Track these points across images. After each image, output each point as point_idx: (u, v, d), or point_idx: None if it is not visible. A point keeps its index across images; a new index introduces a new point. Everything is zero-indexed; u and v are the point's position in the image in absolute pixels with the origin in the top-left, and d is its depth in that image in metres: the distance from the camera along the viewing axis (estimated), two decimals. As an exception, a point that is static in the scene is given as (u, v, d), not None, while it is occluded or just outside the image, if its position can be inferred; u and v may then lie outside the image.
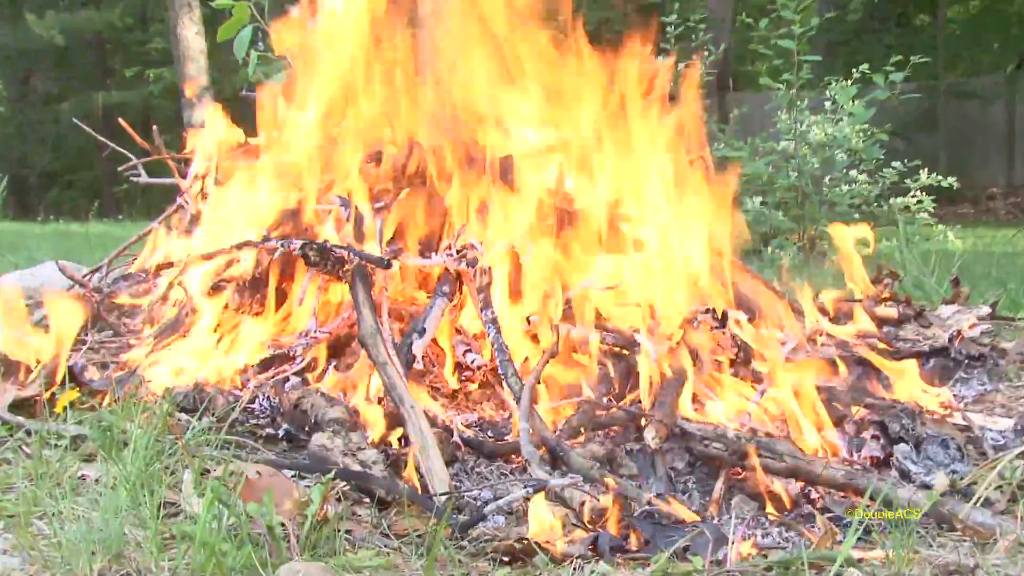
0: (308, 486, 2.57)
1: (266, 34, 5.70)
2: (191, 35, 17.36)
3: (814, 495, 2.93)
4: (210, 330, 3.77)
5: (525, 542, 2.37)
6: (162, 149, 5.08)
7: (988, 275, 7.22)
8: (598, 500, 2.60)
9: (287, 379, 3.55)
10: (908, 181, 9.11)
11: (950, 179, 8.80)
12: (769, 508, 2.80)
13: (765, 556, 2.35)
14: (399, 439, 3.11)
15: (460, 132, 4.12)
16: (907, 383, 3.68)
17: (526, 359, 3.52)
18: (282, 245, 3.80)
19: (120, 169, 5.29)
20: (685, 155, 4.02)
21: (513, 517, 2.63)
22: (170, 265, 4.36)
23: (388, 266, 3.68)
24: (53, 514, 2.34)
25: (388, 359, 3.19)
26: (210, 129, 4.80)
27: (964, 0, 24.64)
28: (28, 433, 2.92)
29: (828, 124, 9.25)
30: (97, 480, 2.60)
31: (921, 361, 4.02)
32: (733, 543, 2.37)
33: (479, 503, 2.72)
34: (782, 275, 5.28)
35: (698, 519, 2.61)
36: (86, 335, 4.11)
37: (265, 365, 3.60)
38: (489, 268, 3.65)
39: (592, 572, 2.26)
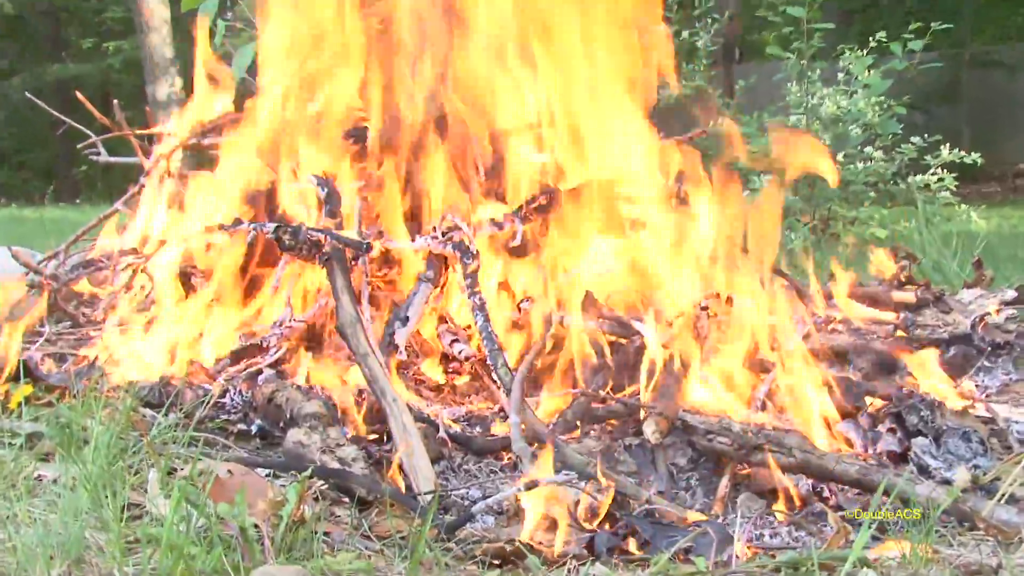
0: (283, 485, 2.57)
1: (235, 2, 5.70)
2: (154, 3, 17.30)
3: (826, 492, 2.95)
4: (177, 320, 3.77)
5: (516, 543, 2.38)
6: (123, 126, 5.07)
7: (1014, 257, 7.25)
8: (595, 498, 2.61)
9: (260, 371, 3.55)
10: (928, 158, 9.11)
11: (974, 155, 8.80)
12: (778, 506, 2.82)
13: (773, 556, 2.36)
14: (381, 435, 3.12)
15: (445, 106, 4.12)
16: (926, 373, 3.70)
17: (522, 352, 3.53)
18: (254, 228, 3.81)
19: (79, 147, 5.28)
20: (688, 131, 4.04)
21: (503, 517, 2.65)
22: (133, 251, 4.35)
23: (368, 250, 3.68)
24: (8, 517, 2.34)
25: (369, 349, 3.19)
26: (177, 105, 4.80)
27: (990, -39, 24.61)
28: (-20, 431, 2.92)
29: (841, 97, 9.25)
30: (55, 481, 2.60)
31: (941, 349, 4.04)
32: (739, 543, 2.38)
33: (467, 502, 2.73)
34: (793, 258, 5.29)
35: (701, 518, 2.62)
36: (42, 326, 4.10)
37: (237, 357, 3.61)
38: (477, 251, 3.65)
39: (588, 575, 2.27)
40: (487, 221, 3.80)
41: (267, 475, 2.72)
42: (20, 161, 28.99)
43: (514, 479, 2.80)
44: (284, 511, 2.29)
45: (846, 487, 2.93)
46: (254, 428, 3.22)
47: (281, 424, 3.14)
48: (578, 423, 3.21)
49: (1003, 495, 2.72)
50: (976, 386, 3.83)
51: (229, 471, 2.44)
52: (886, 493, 2.62)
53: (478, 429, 3.33)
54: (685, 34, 9.82)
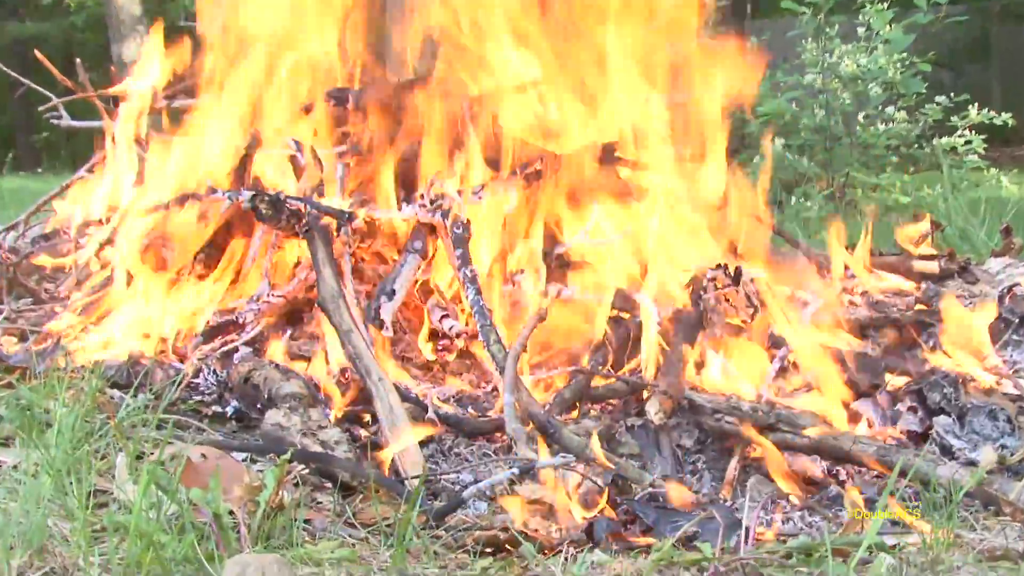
0: (261, 470, 2.59)
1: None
2: (120, -44, 17.20)
3: (842, 475, 2.96)
4: (146, 295, 3.77)
5: (509, 530, 2.40)
6: (88, 87, 5.06)
7: (1046, 225, 7.25)
8: (594, 482, 2.63)
9: (236, 350, 3.56)
10: (955, 119, 9.11)
11: (1004, 116, 8.80)
12: (790, 489, 2.83)
13: (784, 542, 2.38)
14: (366, 416, 3.13)
15: (433, 66, 4.12)
16: (959, 336, 3.70)
17: (517, 327, 3.54)
18: (230, 197, 3.81)
19: (39, 111, 5.27)
20: (695, 93, 4.03)
21: (496, 503, 2.66)
22: (99, 222, 4.36)
23: (351, 219, 3.69)
24: (-34, 505, 2.36)
25: (352, 325, 3.20)
26: (144, 64, 4.78)
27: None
28: (-66, 415, 2.93)
29: (861, 54, 9.24)
30: (16, 467, 2.61)
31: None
32: (748, 528, 2.39)
33: (457, 487, 2.74)
34: (808, 227, 5.29)
35: (708, 503, 2.64)
36: (0, 303, 4.11)
37: (210, 334, 3.61)
38: (467, 220, 3.65)
39: (587, 562, 2.28)
40: (479, 188, 3.80)
41: (244, 459, 2.73)
42: (-26, 127, 28.88)
43: (508, 462, 2.81)
44: (261, 497, 2.30)
45: (863, 469, 2.94)
46: (229, 410, 3.23)
47: (258, 405, 3.15)
48: (576, 403, 3.22)
49: (1031, 477, 2.73)
50: (1003, 361, 3.83)
51: (203, 455, 2.45)
52: (904, 474, 2.64)
53: (469, 409, 3.34)
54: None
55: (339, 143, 4.10)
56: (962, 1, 10.52)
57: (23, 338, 3.79)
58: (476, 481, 2.74)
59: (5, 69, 5.70)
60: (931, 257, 4.55)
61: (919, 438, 3.15)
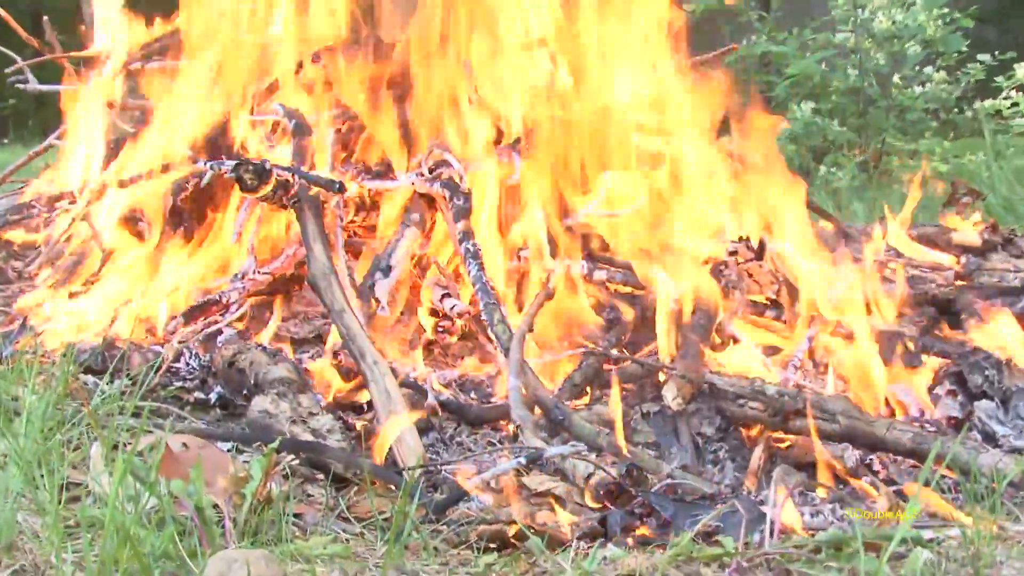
0: (247, 461, 2.58)
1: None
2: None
3: (876, 464, 2.96)
4: (122, 273, 3.78)
5: (515, 524, 2.40)
6: (56, 48, 5.05)
7: (1100, 194, 7.23)
8: (607, 472, 2.63)
9: (219, 331, 3.57)
10: (999, 79, 9.08)
11: (1055, 75, 8.77)
12: (820, 480, 2.83)
13: (812, 535, 2.38)
14: (360, 402, 3.14)
15: (430, 22, 4.11)
16: (992, 326, 3.70)
17: (523, 306, 3.54)
18: (212, 167, 3.81)
19: (5, 73, 5.26)
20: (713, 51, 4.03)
21: (501, 494, 2.66)
22: (71, 195, 4.36)
23: (342, 190, 3.68)
24: (-71, 499, 2.36)
25: (345, 305, 3.20)
26: (118, 23, 4.77)
27: None
28: None
29: (897, 9, 9.21)
30: (-17, 458, 2.62)
31: (1011, 298, 4.04)
32: (773, 521, 2.39)
33: (459, 478, 2.75)
34: (839, 198, 5.29)
35: (730, 494, 2.64)
36: (-35, 282, 4.13)
37: (192, 315, 3.62)
38: (469, 190, 3.65)
39: (599, 558, 2.28)
40: (481, 155, 3.79)
41: (228, 449, 2.73)
42: (-65, 94, 28.86)
43: (514, 451, 2.81)
44: (248, 489, 2.30)
45: (899, 457, 2.94)
46: (213, 396, 3.23)
47: (244, 391, 3.15)
48: (587, 387, 3.23)
49: (1081, 465, 2.73)
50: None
51: (184, 444, 2.46)
52: (941, 462, 2.64)
53: (472, 395, 3.35)
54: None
55: (329, 108, 4.10)
56: (1007, -50, 10.42)
57: (-11, 320, 3.80)
58: (480, 472, 2.74)
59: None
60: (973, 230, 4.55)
61: (959, 424, 3.14)
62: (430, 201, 3.74)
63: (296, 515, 2.41)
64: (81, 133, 4.63)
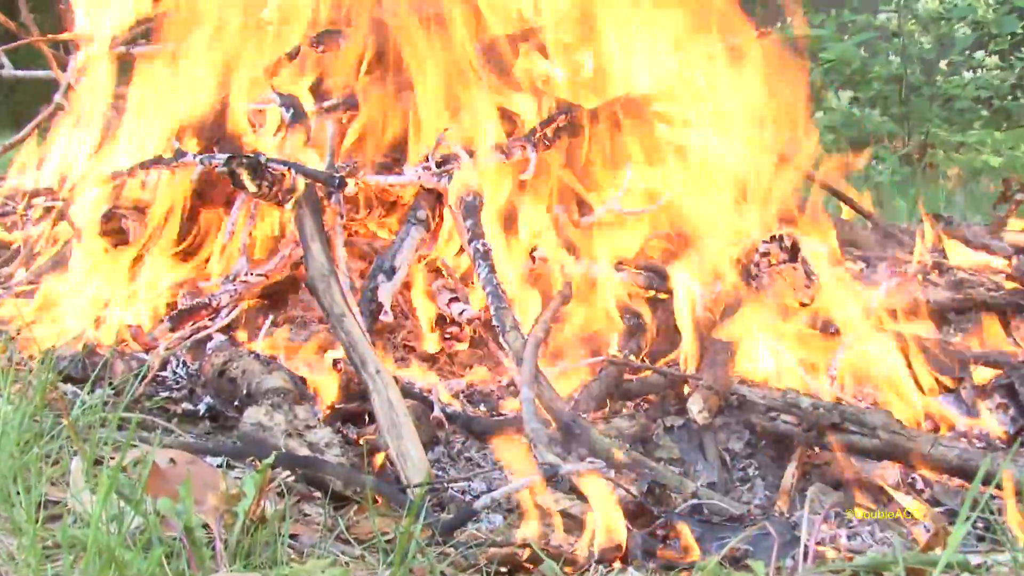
0: (239, 477, 2.59)
1: None
2: None
3: (919, 483, 2.96)
4: (105, 275, 3.79)
5: (528, 547, 2.40)
6: (32, 31, 5.06)
7: None
8: (628, 491, 2.64)
9: (209, 338, 3.57)
10: (1058, 64, 9.06)
11: (1118, 59, 8.75)
12: (858, 500, 2.84)
13: (850, 559, 2.38)
14: (362, 415, 3.14)
15: (437, 5, 4.11)
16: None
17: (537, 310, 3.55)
18: (202, 161, 3.81)
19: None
20: (746, 34, 4.02)
21: (513, 514, 2.67)
22: (49, 190, 4.37)
23: (342, 186, 3.69)
24: None
25: (346, 309, 3.21)
26: (100, 3, 4.78)
27: None
28: None
29: (944, -12, 9.20)
30: (-46, 473, 2.63)
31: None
32: (807, 544, 2.40)
33: (468, 497, 2.76)
34: (880, 194, 5.28)
35: (761, 515, 2.64)
36: (-64, 284, 4.14)
37: (180, 319, 3.62)
38: (479, 186, 3.66)
39: (618, 584, 2.30)
40: (492, 148, 3.80)
41: (219, 465, 2.75)
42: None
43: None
44: (240, 508, 2.31)
45: (945, 476, 2.94)
46: (202, 407, 3.24)
47: (236, 402, 3.16)
48: (607, 399, 3.23)
49: None
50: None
51: (171, 459, 2.47)
52: (991, 482, 2.64)
53: (482, 407, 3.36)
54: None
55: (328, 95, 4.10)
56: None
57: (-39, 325, 3.80)
58: (490, 490, 2.75)
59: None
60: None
61: (1011, 439, 3.15)
62: (437, 197, 3.74)
63: (292, 536, 2.42)
64: (61, 122, 4.65)
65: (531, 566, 2.39)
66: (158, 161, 3.93)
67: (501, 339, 3.30)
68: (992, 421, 3.27)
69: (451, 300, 3.71)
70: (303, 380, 3.24)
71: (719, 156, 3.86)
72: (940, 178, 7.81)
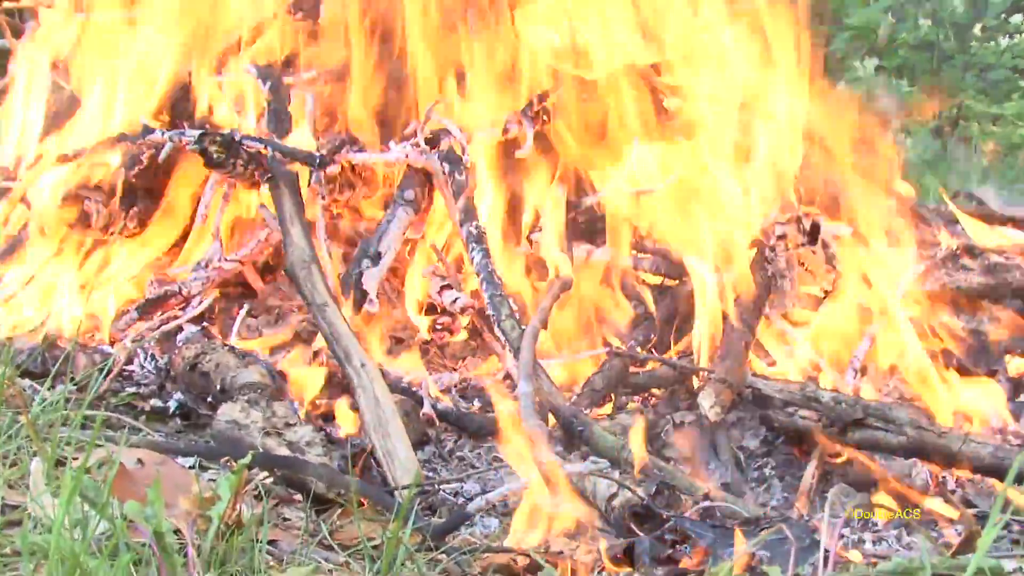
0: (213, 479, 2.60)
1: None
2: None
3: (950, 483, 2.97)
4: (66, 261, 3.79)
5: (526, 555, 2.41)
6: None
7: None
8: (634, 493, 2.64)
9: (180, 329, 3.58)
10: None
11: None
12: (882, 501, 2.84)
13: (874, 565, 2.39)
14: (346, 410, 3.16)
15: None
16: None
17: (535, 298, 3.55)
18: (171, 138, 3.81)
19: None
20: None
21: (509, 518, 2.68)
22: (5, 170, 4.37)
23: (324, 165, 3.69)
24: None
25: (328, 298, 3.21)
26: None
27: None
28: None
29: (978, -54, 9.18)
30: (-97, 476, 2.63)
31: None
32: (828, 549, 2.40)
33: (460, 499, 2.77)
34: (908, 170, 5.27)
35: (778, 518, 2.65)
36: None
37: (147, 309, 3.63)
38: (472, 164, 3.66)
39: (624, 592, 2.31)
40: (486, 123, 3.80)
41: (191, 466, 2.75)
42: None
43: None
44: (214, 512, 2.32)
45: (977, 475, 2.95)
46: (172, 404, 3.25)
47: (209, 398, 3.17)
48: (610, 393, 3.24)
49: None
50: None
51: (139, 460, 2.47)
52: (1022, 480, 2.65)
53: (476, 403, 3.37)
54: None
55: (309, 67, 4.10)
56: None
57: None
58: (484, 492, 2.76)
59: None
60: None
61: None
62: (426, 176, 3.74)
63: (271, 542, 2.42)
64: (16, 97, 4.64)
65: (529, 574, 2.40)
66: (123, 138, 3.93)
67: (496, 329, 3.31)
68: (1029, 416, 3.28)
69: (443, 287, 3.71)
70: (282, 374, 3.25)
71: (732, 129, 3.85)
72: (974, 153, 7.81)
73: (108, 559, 2.11)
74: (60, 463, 2.58)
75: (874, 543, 2.70)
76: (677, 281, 3.57)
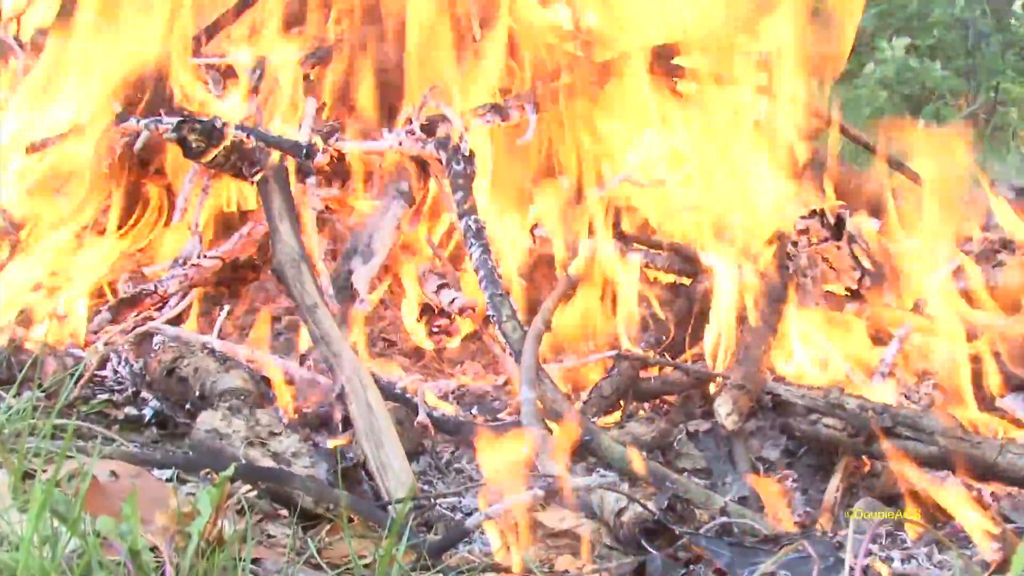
0: (192, 493, 2.61)
1: None
2: None
3: (986, 496, 2.97)
4: (32, 257, 3.79)
5: (529, 572, 2.42)
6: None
7: None
8: (644, 507, 2.65)
9: (155, 331, 3.58)
10: None
11: None
12: (912, 516, 2.84)
13: (903, 584, 2.40)
14: (335, 419, 3.16)
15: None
16: None
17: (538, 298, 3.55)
18: (147, 125, 3.81)
19: None
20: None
21: (511, 535, 2.67)
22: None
23: (312, 155, 3.68)
24: None
25: (318, 298, 3.21)
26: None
27: None
28: None
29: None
30: None
31: None
32: (852, 568, 2.41)
33: (458, 514, 2.77)
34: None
35: (799, 534, 2.65)
36: None
37: (121, 309, 3.63)
38: (471, 152, 3.66)
39: (633, 614, 2.31)
40: (486, 108, 3.80)
41: (169, 478, 2.76)
42: None
43: (527, 481, 2.82)
44: (194, 528, 2.32)
45: (1015, 488, 2.95)
46: (148, 412, 3.26)
47: (188, 406, 3.17)
48: (619, 400, 3.24)
49: None
50: None
51: (113, 472, 2.48)
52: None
53: (475, 410, 3.37)
54: None
55: (298, 50, 4.10)
56: None
57: None
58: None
59: None
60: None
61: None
62: (422, 166, 3.74)
63: (254, 560, 2.43)
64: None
65: (531, 594, 2.41)
66: (96, 126, 3.93)
67: (497, 331, 3.31)
68: (1070, 424, 3.28)
69: (440, 287, 3.71)
70: (266, 380, 3.25)
71: (749, 115, 3.86)
72: (1012, 140, 7.81)
73: (80, 578, 2.12)
74: (28, 476, 2.59)
75: (903, 561, 2.70)
76: (692, 279, 3.57)
